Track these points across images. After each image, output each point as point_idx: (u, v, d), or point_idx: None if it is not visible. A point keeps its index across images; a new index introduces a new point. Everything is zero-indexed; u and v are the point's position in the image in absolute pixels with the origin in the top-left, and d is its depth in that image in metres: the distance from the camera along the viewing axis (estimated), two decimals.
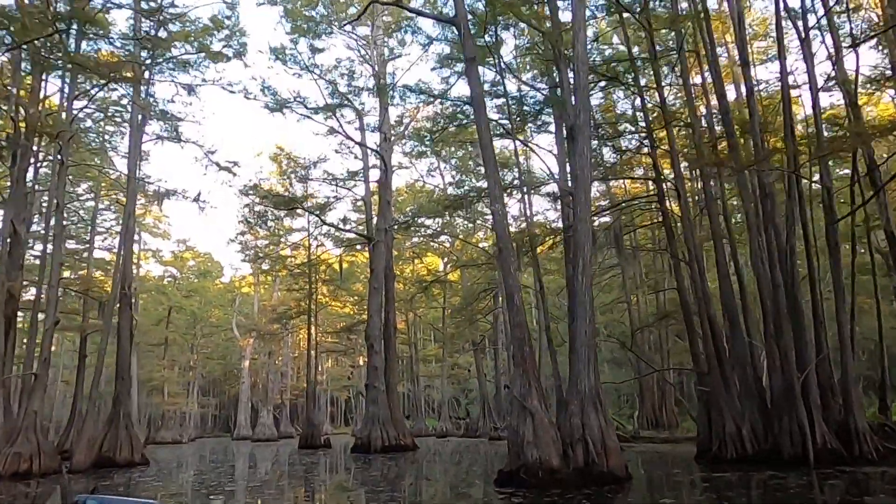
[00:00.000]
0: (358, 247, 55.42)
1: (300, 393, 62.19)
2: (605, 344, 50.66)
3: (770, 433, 15.52)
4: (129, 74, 23.68)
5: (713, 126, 16.60)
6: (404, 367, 64.88)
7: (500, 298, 41.53)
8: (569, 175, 16.02)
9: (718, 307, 17.93)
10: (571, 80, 15.33)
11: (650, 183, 23.78)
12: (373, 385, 27.87)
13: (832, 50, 17.56)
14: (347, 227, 31.89)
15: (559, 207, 20.17)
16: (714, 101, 17.12)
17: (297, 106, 29.73)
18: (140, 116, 24.68)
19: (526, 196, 22.42)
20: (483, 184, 28.94)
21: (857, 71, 17.36)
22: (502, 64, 20.09)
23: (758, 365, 16.89)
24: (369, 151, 30.59)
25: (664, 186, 18.57)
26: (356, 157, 32.14)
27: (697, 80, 20.20)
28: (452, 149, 39.26)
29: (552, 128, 21.84)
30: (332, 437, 51.18)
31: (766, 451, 15.36)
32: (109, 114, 28.05)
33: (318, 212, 29.53)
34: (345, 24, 31.44)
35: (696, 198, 20.58)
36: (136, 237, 58.90)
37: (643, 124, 19.33)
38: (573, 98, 13.85)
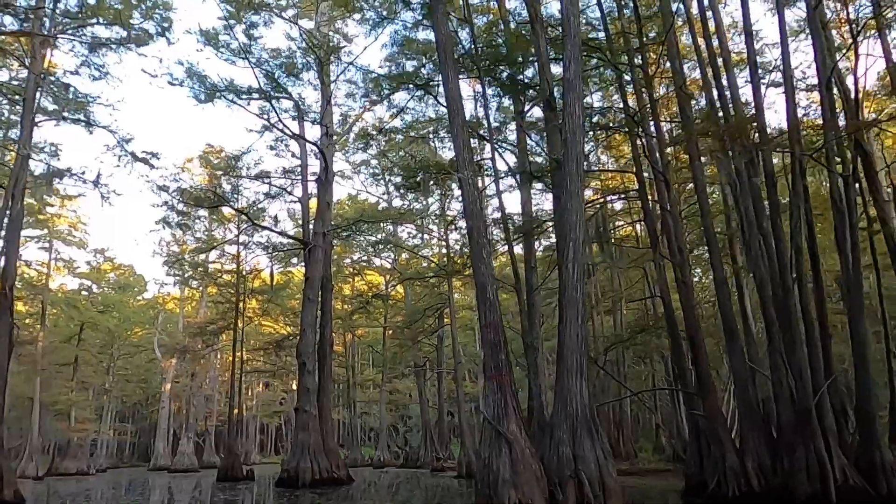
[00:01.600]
0: (294, 261, 52.09)
1: (227, 419, 57.44)
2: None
3: (779, 467, 13.01)
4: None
5: (714, 103, 14.27)
6: (340, 392, 60.96)
7: (445, 319, 38.82)
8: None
9: (711, 318, 15.48)
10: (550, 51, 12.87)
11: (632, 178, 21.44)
12: (303, 409, 24.37)
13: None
14: (280, 228, 28.35)
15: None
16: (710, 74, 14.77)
17: (229, 94, 26.48)
18: (35, 87, 20.93)
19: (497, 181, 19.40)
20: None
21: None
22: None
23: (760, 386, 14.42)
24: (308, 147, 27.41)
25: (647, 175, 16.17)
26: (293, 156, 28.88)
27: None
28: (401, 153, 36.62)
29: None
30: (258, 468, 46.91)
31: (777, 487, 12.81)
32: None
33: (247, 211, 25.98)
34: (286, 11, 28.52)
35: (684, 192, 18.30)
36: (46, 244, 54.68)
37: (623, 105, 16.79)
38: (565, 49, 11.22)
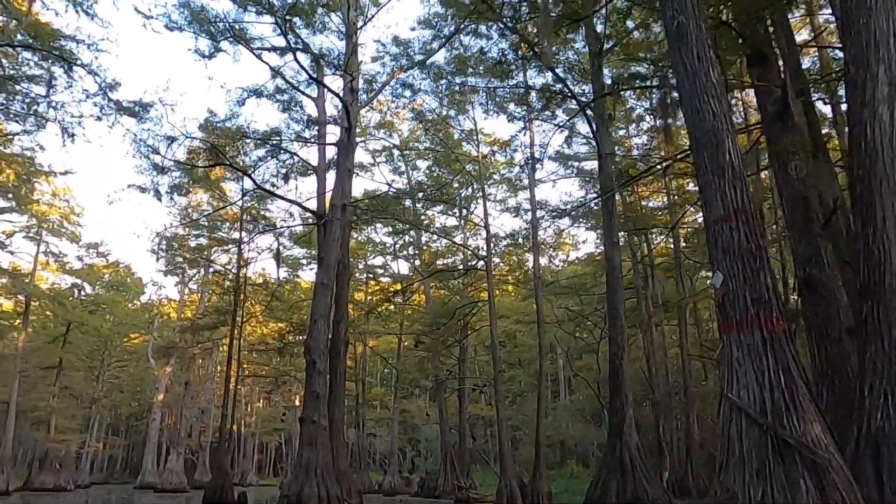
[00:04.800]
0: (303, 261, 47.31)
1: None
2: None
3: None
4: None
5: None
6: (348, 409, 55.83)
7: (470, 328, 33.93)
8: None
9: None
10: None
11: None
12: (311, 419, 19.43)
13: None
14: (290, 197, 23.47)
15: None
16: None
17: (237, 43, 22.02)
18: None
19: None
20: None
21: None
22: None
23: None
24: (328, 99, 22.84)
25: None
26: (309, 121, 24.20)
27: None
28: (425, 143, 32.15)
29: None
30: (253, 491, 41.84)
31: None
32: None
33: (250, 172, 21.30)
34: None
35: None
36: (34, 234, 50.21)
37: None
38: None
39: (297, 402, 65.50)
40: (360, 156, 50.34)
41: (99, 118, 22.27)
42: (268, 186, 21.81)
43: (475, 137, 28.12)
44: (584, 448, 53.16)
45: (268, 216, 29.79)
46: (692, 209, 31.03)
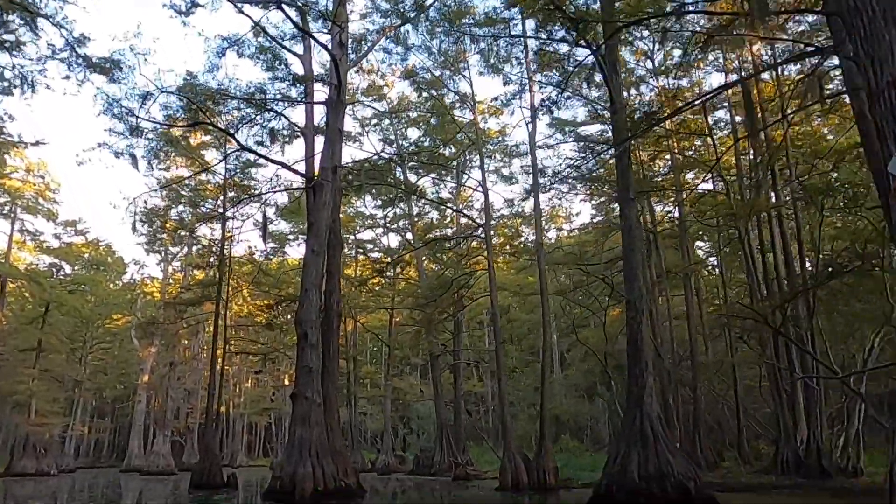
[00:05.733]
0: (290, 237, 45.76)
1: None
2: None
3: None
4: None
5: None
6: (339, 387, 54.70)
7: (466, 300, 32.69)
8: None
9: None
10: None
11: None
12: (303, 395, 18.17)
13: None
14: (277, 159, 21.97)
15: None
16: None
17: None
18: None
19: None
20: None
21: None
22: None
23: None
24: (315, 57, 21.31)
25: None
26: (295, 80, 22.60)
27: None
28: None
29: None
30: (243, 472, 40.69)
31: None
32: None
33: (231, 131, 19.70)
34: None
35: None
36: (8, 211, 48.24)
37: None
38: None
39: (287, 381, 64.27)
40: (349, 124, 49.05)
41: (67, 76, 20.67)
42: (253, 150, 20.28)
43: (471, 100, 26.69)
44: (578, 423, 52.61)
45: (253, 185, 28.21)
46: (693, 175, 29.93)
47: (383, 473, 37.99)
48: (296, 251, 50.01)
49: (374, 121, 35.88)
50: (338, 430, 20.24)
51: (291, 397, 19.08)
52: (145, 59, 18.95)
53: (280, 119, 20.96)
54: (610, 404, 50.88)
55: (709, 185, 28.14)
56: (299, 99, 21.39)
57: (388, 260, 32.43)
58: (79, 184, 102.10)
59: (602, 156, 17.79)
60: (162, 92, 17.45)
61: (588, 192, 28.00)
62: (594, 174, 24.11)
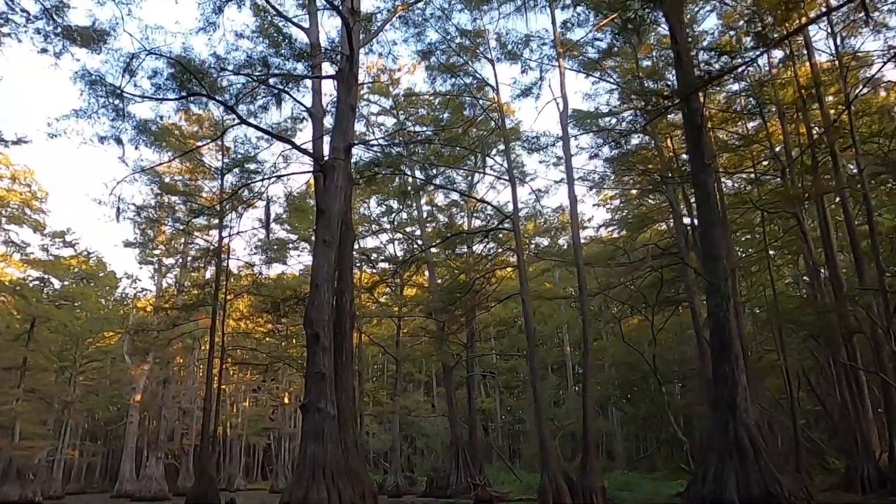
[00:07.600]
0: (292, 252, 43.13)
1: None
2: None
3: None
4: None
5: None
6: None
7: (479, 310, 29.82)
8: None
9: None
10: None
11: None
12: (315, 406, 15.59)
13: None
14: (283, 137, 19.46)
15: None
16: None
17: None
18: None
19: None
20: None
21: None
22: None
23: None
24: (321, 31, 18.93)
25: None
26: (301, 55, 20.24)
27: None
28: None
29: None
30: (242, 496, 37.90)
31: None
32: None
33: (231, 102, 17.25)
34: None
35: None
36: None
37: None
38: None
39: (287, 400, 61.41)
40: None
41: (43, 49, 18.28)
42: (254, 125, 17.87)
43: (493, 83, 24.46)
44: (594, 439, 49.95)
45: (252, 176, 25.67)
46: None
47: (394, 496, 35.15)
48: (296, 262, 47.59)
49: (381, 119, 33.79)
50: (354, 447, 17.55)
51: (301, 409, 16.46)
52: (129, 11, 16.43)
53: (284, 97, 18.56)
54: (628, 419, 48.32)
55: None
56: (306, 73, 18.99)
57: (401, 260, 29.81)
58: (67, 193, 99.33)
59: (665, 107, 15.15)
60: (149, 54, 15.05)
61: (625, 176, 25.54)
62: (641, 146, 21.70)
